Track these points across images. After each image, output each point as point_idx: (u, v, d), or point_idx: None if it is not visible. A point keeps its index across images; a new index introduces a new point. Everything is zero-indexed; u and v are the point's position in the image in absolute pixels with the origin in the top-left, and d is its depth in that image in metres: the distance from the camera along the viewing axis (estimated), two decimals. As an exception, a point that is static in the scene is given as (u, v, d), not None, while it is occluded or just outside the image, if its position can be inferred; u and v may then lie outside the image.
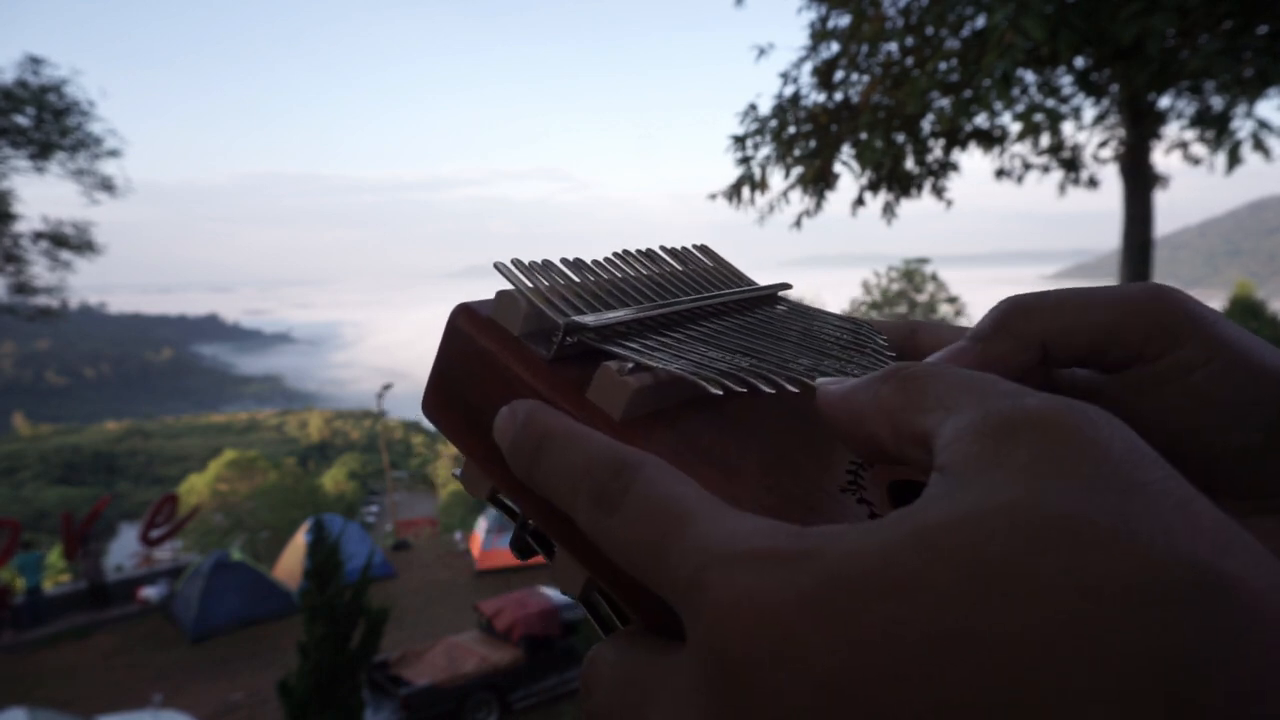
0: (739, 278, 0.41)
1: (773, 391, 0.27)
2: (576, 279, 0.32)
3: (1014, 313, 0.30)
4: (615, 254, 0.36)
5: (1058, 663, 0.15)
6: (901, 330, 0.38)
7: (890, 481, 0.30)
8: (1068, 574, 0.16)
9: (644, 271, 0.36)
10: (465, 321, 0.30)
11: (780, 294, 0.41)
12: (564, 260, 0.33)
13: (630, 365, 0.27)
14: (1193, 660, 0.15)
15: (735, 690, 0.18)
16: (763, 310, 0.39)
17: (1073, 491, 0.17)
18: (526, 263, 0.32)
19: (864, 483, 0.29)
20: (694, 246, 0.41)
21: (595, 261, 0.35)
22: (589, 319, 0.29)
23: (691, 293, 0.36)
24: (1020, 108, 5.60)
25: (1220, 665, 0.15)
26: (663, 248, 0.39)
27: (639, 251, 0.37)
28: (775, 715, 0.18)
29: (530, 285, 0.30)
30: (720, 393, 0.26)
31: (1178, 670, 0.15)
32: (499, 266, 0.31)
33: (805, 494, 0.27)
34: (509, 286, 0.30)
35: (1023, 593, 0.16)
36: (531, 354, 0.29)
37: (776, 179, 9.85)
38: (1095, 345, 0.29)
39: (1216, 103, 5.72)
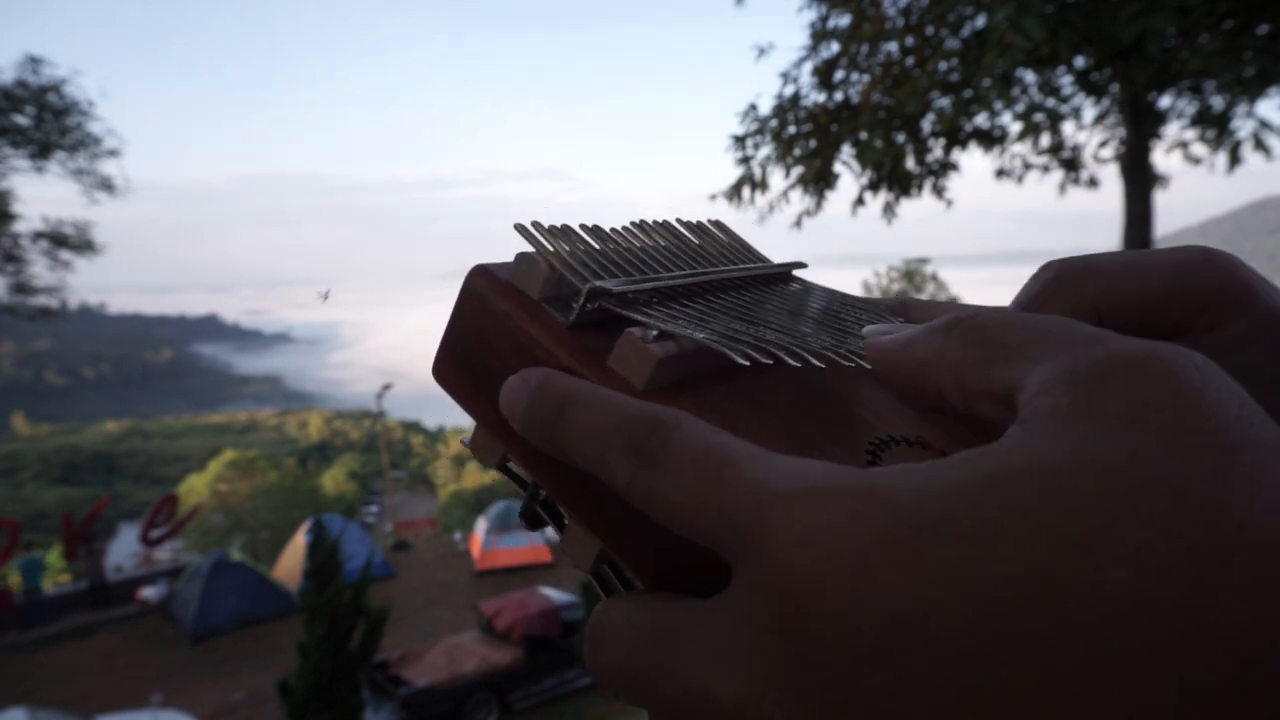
0: (754, 254, 0.40)
1: (799, 365, 0.27)
2: (596, 245, 0.32)
3: (1065, 278, 0.28)
4: (633, 223, 0.35)
5: (1144, 624, 0.15)
6: (893, 307, 0.37)
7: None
8: (1162, 536, 0.15)
9: (661, 242, 0.35)
10: (482, 283, 0.29)
11: (794, 273, 0.41)
12: (583, 226, 0.32)
13: (654, 333, 0.26)
14: None
15: (800, 625, 0.18)
16: (780, 286, 0.38)
17: (1173, 449, 0.16)
18: (546, 226, 0.31)
19: (884, 463, 0.28)
20: (709, 221, 0.40)
21: (614, 230, 0.34)
22: (611, 284, 0.28)
23: (709, 265, 0.36)
24: (1020, 108, 5.61)
25: None
26: (679, 220, 0.38)
27: (655, 222, 0.37)
28: (842, 649, 0.17)
29: (551, 249, 0.29)
30: (747, 363, 0.26)
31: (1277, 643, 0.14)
32: (519, 228, 0.30)
33: None
34: (528, 249, 0.29)
35: (1109, 551, 0.15)
36: (551, 318, 0.28)
37: (777, 179, 9.85)
38: (1148, 313, 0.27)
39: (1217, 102, 5.71)
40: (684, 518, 0.21)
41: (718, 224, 0.40)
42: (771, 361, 0.26)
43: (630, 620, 0.23)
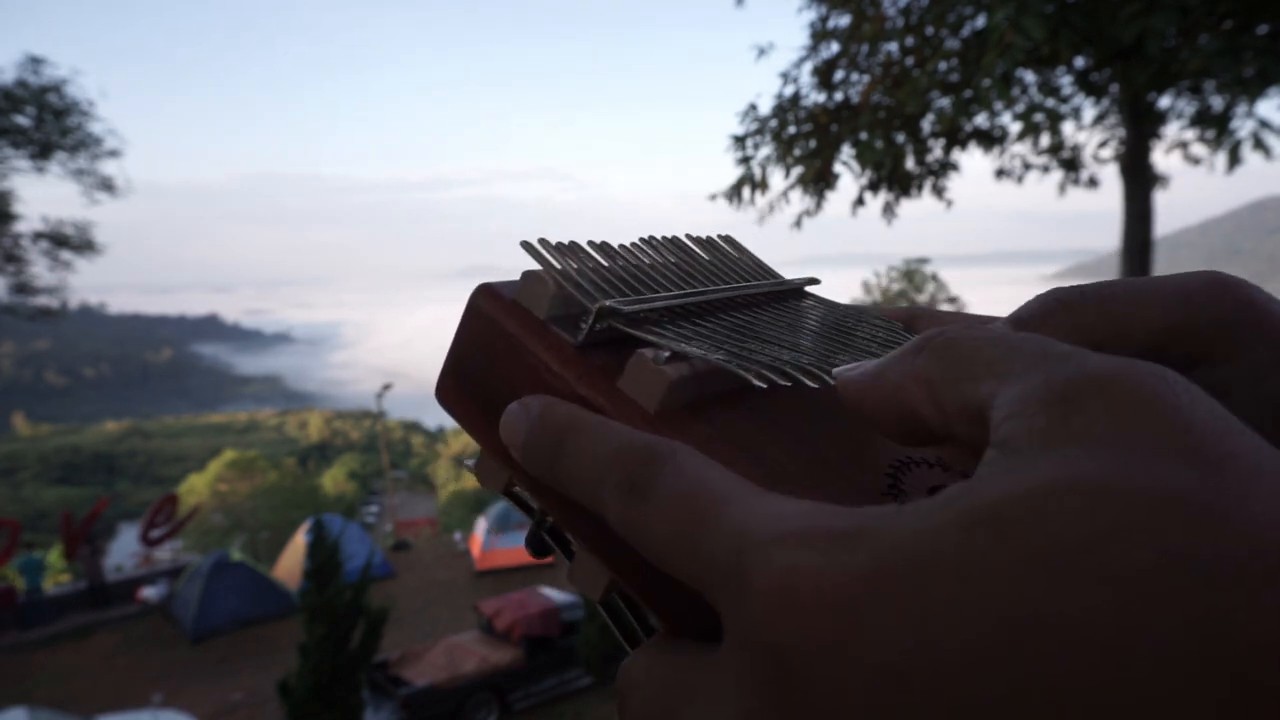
0: (766, 270, 0.39)
1: (816, 386, 0.26)
2: (604, 263, 0.31)
3: (1061, 306, 0.27)
4: (641, 240, 0.35)
5: (1153, 650, 0.14)
6: (900, 317, 0.37)
7: (930, 487, 0.28)
8: (1163, 556, 0.15)
9: (671, 259, 0.35)
10: (488, 303, 0.28)
11: (807, 289, 0.40)
12: (591, 243, 0.32)
13: (666, 354, 0.26)
14: None
15: (784, 683, 0.17)
16: (793, 303, 0.37)
17: (1157, 465, 0.16)
18: (554, 243, 0.30)
19: (904, 487, 0.27)
20: (719, 236, 0.39)
21: (622, 246, 0.33)
22: (620, 303, 0.27)
23: (719, 282, 0.35)
24: (1020, 108, 5.61)
25: None
26: (688, 236, 0.37)
27: (664, 239, 0.36)
28: (830, 707, 0.16)
29: (558, 266, 0.28)
30: (764, 385, 0.25)
31: None
32: (526, 245, 0.29)
33: (847, 497, 0.26)
34: (535, 267, 0.28)
35: (1110, 575, 0.15)
36: (559, 339, 0.27)
37: (777, 179, 9.86)
38: (1153, 343, 0.26)
39: (1216, 102, 5.72)
40: (668, 556, 0.21)
41: (728, 239, 0.39)
42: (789, 383, 0.25)
43: (647, 673, 0.23)
